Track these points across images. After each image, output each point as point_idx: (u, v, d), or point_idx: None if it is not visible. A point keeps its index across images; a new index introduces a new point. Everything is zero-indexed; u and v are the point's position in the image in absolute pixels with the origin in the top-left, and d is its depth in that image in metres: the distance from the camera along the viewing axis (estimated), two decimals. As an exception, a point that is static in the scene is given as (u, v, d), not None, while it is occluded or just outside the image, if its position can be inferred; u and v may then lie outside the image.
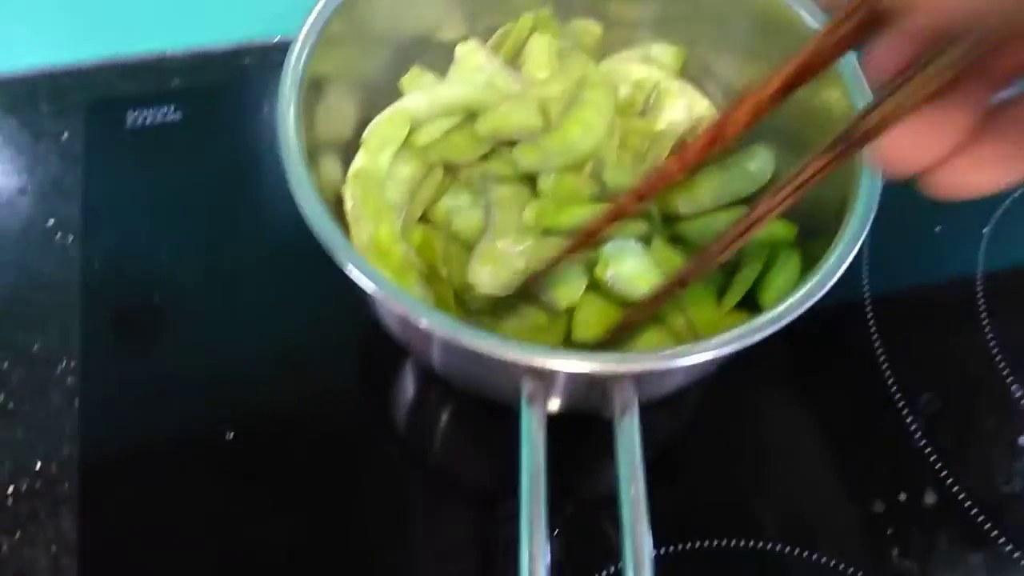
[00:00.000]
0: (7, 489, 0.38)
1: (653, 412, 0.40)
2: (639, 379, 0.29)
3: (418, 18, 0.41)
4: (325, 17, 0.35)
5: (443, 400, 0.42)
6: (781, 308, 0.30)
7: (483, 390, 0.38)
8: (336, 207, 0.38)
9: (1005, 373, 0.43)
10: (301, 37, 0.35)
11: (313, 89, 0.35)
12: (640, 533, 0.27)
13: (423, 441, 0.41)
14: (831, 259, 0.31)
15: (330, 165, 0.38)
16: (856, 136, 0.23)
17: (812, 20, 0.36)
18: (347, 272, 0.30)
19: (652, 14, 0.42)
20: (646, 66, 0.42)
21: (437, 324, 0.29)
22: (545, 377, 0.29)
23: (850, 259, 0.31)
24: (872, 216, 0.32)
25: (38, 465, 0.39)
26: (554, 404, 0.33)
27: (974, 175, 0.21)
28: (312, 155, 0.34)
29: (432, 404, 0.42)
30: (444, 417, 0.42)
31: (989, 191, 0.22)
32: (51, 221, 0.45)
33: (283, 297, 0.44)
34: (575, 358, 0.28)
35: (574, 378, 0.30)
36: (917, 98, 0.21)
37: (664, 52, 0.42)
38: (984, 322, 0.44)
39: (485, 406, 0.40)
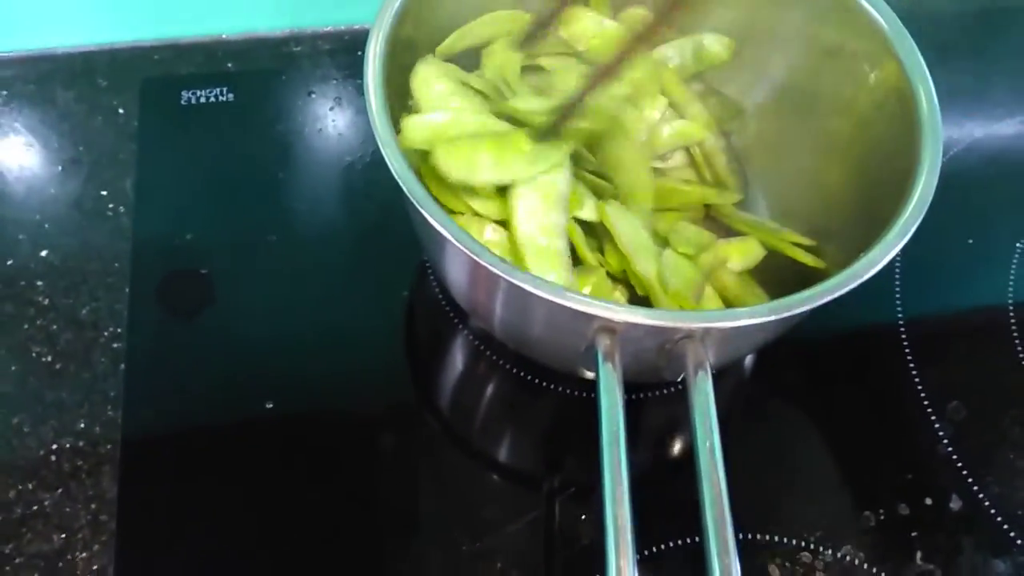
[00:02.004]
0: (51, 446, 0.39)
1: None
2: (715, 337, 0.30)
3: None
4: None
5: (491, 373, 0.43)
6: (855, 267, 0.31)
7: (544, 353, 0.38)
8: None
9: (1034, 383, 0.44)
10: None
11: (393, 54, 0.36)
12: (718, 483, 0.27)
13: (469, 414, 0.42)
14: (904, 215, 0.32)
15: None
16: None
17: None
18: (429, 221, 0.31)
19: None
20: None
21: (517, 276, 0.29)
22: (621, 333, 0.30)
23: (923, 214, 0.32)
24: (937, 175, 0.33)
25: (81, 425, 0.40)
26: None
27: None
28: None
29: (480, 377, 0.43)
30: (490, 391, 0.43)
31: None
32: (104, 192, 0.47)
33: (328, 273, 0.45)
34: (657, 313, 0.29)
35: (652, 334, 0.30)
36: None
37: (715, 41, 0.43)
38: (1013, 332, 0.45)
39: (533, 379, 0.42)
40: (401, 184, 0.31)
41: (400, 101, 0.38)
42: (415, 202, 0.31)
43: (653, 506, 0.38)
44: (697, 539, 0.36)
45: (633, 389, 0.42)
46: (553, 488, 0.40)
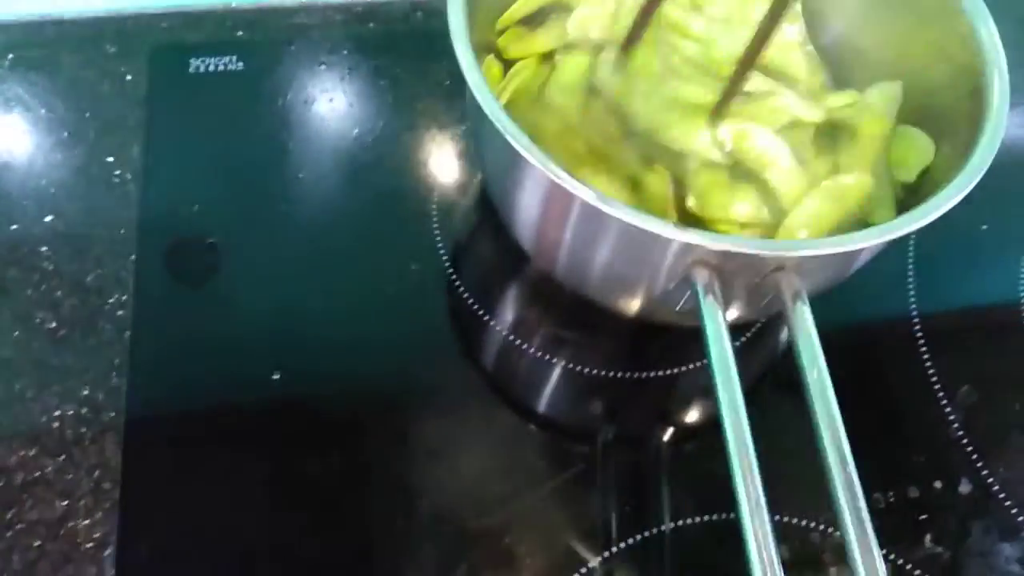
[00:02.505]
0: (54, 413, 0.39)
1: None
2: (807, 268, 0.30)
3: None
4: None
5: (505, 350, 0.43)
6: (944, 192, 0.31)
7: (615, 291, 0.37)
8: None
9: (1045, 370, 0.43)
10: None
11: None
12: (833, 413, 0.28)
13: (483, 389, 0.42)
14: (984, 139, 0.33)
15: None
16: None
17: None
18: (511, 144, 0.30)
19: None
20: None
21: (611, 205, 0.29)
22: (717, 267, 0.29)
23: (1001, 132, 0.33)
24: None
25: (85, 392, 0.39)
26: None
27: None
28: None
29: (493, 355, 0.43)
30: (504, 370, 0.42)
31: None
32: (111, 158, 0.46)
33: (335, 244, 0.44)
34: (758, 242, 0.30)
35: (750, 264, 0.30)
36: None
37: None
38: (1026, 318, 0.45)
39: (545, 357, 0.42)
40: (477, 96, 0.31)
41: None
42: (493, 120, 0.30)
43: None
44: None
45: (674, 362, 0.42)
46: (563, 464, 0.39)
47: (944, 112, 0.37)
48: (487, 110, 0.31)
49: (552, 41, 0.41)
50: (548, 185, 0.30)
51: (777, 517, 0.38)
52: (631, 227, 0.29)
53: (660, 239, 0.29)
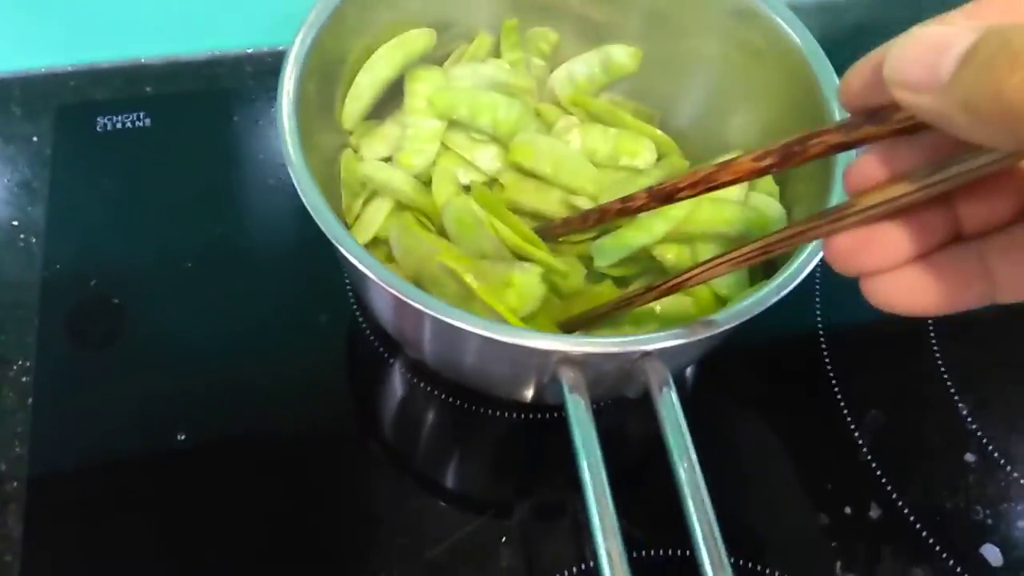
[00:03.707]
0: (-45, 485, 0.38)
1: (620, 424, 0.41)
2: (672, 353, 0.30)
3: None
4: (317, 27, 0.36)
5: (419, 399, 0.42)
6: (795, 264, 0.31)
7: (489, 386, 0.38)
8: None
9: (952, 391, 0.44)
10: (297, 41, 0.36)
11: (307, 85, 0.35)
12: (703, 502, 0.27)
13: (392, 438, 0.42)
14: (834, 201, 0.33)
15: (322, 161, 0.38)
16: (821, 227, 0.23)
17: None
18: (353, 263, 0.30)
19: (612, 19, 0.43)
20: None
21: (465, 320, 0.29)
22: (582, 364, 0.30)
23: None
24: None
25: (-12, 463, 0.39)
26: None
27: (913, 295, 0.22)
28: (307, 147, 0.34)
29: (408, 404, 0.42)
30: (418, 417, 0.42)
31: (920, 313, 0.22)
32: (16, 222, 0.46)
33: (245, 300, 0.44)
34: (615, 341, 0.29)
35: (613, 359, 0.30)
36: (891, 206, 0.21)
37: (622, 52, 0.43)
38: (932, 342, 0.45)
39: (468, 415, 0.42)
40: (324, 226, 0.31)
41: (319, 122, 0.38)
42: (347, 254, 0.30)
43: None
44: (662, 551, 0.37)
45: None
46: (476, 509, 0.39)
47: (798, 177, 0.38)
48: (329, 235, 0.31)
49: (399, 134, 0.41)
50: (397, 304, 0.30)
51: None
52: (488, 338, 0.29)
53: (516, 347, 0.29)
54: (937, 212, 0.22)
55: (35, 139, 0.49)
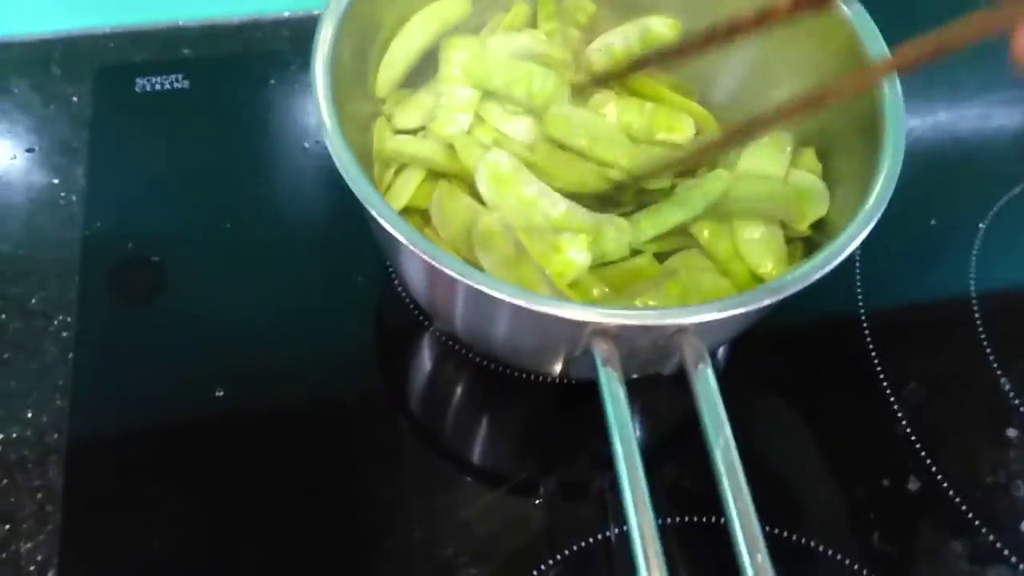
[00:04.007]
0: (-3, 436, 0.39)
1: (661, 400, 0.41)
2: (708, 329, 0.30)
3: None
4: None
5: (455, 365, 0.42)
6: (836, 243, 0.31)
7: (521, 360, 0.38)
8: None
9: (995, 365, 0.43)
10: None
11: (342, 50, 0.35)
12: (738, 477, 0.27)
13: (429, 404, 0.42)
14: (877, 186, 0.32)
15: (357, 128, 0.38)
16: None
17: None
18: (385, 228, 0.30)
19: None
20: None
21: (502, 290, 0.28)
22: (615, 337, 0.29)
23: (893, 187, 0.33)
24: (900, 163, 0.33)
25: (29, 414, 0.39)
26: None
27: None
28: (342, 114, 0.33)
29: (442, 368, 0.42)
30: (453, 382, 0.42)
31: None
32: (56, 180, 0.46)
33: (282, 261, 0.44)
34: (650, 313, 0.29)
35: (647, 332, 0.30)
36: None
37: (661, 24, 0.42)
38: (976, 315, 0.45)
39: (503, 380, 0.42)
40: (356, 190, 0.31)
41: (354, 90, 0.37)
42: (378, 218, 0.30)
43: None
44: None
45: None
46: (503, 476, 0.39)
47: (842, 153, 0.37)
48: (361, 198, 0.30)
49: (433, 102, 0.41)
50: (430, 270, 0.30)
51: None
52: (521, 308, 0.28)
53: (550, 317, 0.29)
54: None
55: (75, 99, 0.49)
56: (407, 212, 0.39)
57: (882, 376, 0.42)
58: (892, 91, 0.34)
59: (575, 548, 0.37)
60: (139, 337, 0.42)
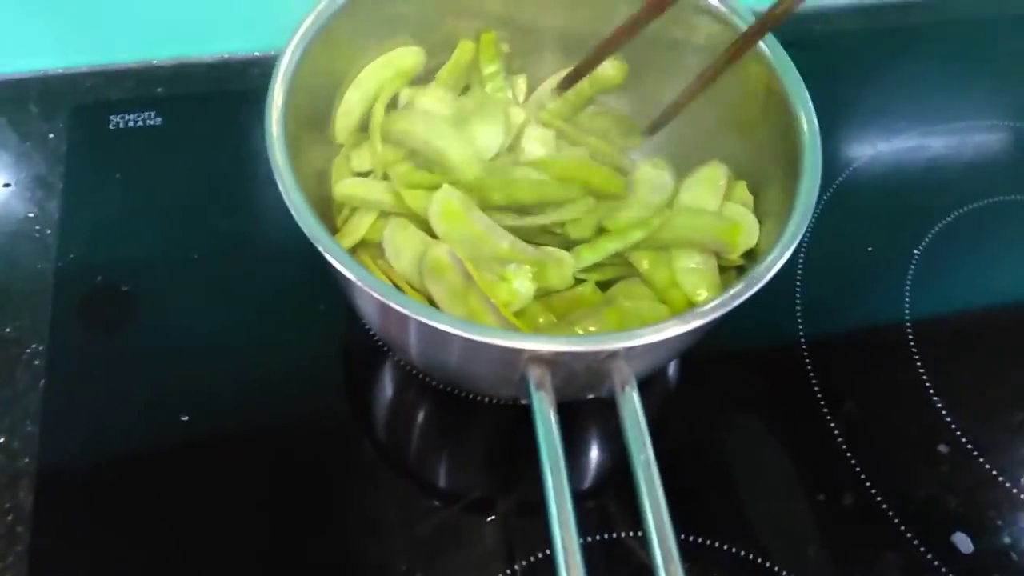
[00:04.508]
0: (-30, 460, 0.40)
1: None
2: (635, 353, 0.32)
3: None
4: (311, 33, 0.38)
5: (420, 398, 0.44)
6: (756, 270, 0.33)
7: (467, 383, 0.40)
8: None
9: (927, 384, 0.45)
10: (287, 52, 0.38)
11: (297, 96, 0.37)
12: (656, 493, 0.29)
13: (391, 428, 0.43)
14: (795, 215, 0.35)
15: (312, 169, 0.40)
16: None
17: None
18: (334, 265, 0.32)
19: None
20: None
21: (438, 319, 0.30)
22: (550, 362, 0.31)
23: (811, 209, 0.35)
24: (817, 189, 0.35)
25: (1, 439, 0.41)
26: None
27: None
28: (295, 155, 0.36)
29: (408, 402, 0.44)
30: (421, 415, 0.44)
31: None
32: (31, 214, 0.48)
33: (250, 292, 0.46)
34: (581, 339, 0.31)
35: (580, 358, 0.32)
36: None
37: (608, 65, 0.44)
38: (910, 336, 0.47)
39: (462, 404, 0.43)
40: (305, 227, 0.33)
41: (313, 134, 0.39)
42: (327, 255, 0.32)
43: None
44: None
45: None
46: (455, 494, 0.41)
47: (770, 187, 0.40)
48: (313, 240, 0.33)
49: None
50: (377, 304, 0.32)
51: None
52: (459, 337, 0.30)
53: (487, 346, 0.31)
54: None
55: (51, 136, 0.51)
56: (363, 245, 0.41)
57: (819, 395, 0.44)
58: (811, 128, 0.37)
59: (526, 562, 0.39)
60: (108, 364, 0.43)
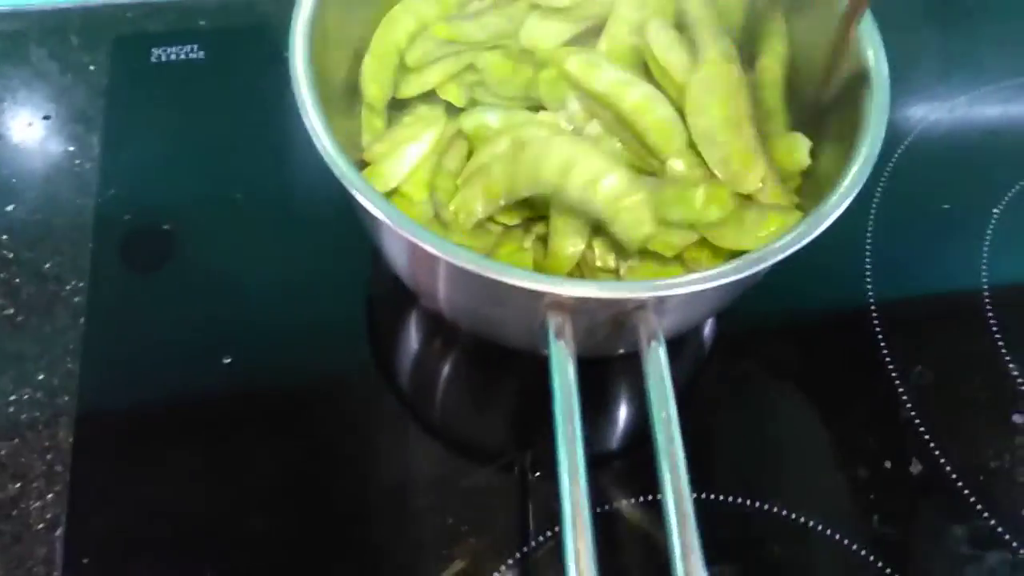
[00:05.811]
0: (9, 397, 0.39)
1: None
2: (665, 306, 0.29)
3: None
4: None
5: (448, 349, 0.43)
6: (803, 226, 0.30)
7: (493, 331, 0.38)
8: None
9: (1004, 351, 0.43)
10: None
11: (322, 34, 0.36)
12: (675, 453, 0.27)
13: (427, 375, 0.42)
14: (857, 163, 0.31)
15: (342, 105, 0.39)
16: None
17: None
18: (361, 203, 0.30)
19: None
20: None
21: (457, 256, 0.28)
22: (571, 310, 0.29)
23: (872, 164, 0.31)
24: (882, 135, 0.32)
25: (40, 376, 0.40)
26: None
27: None
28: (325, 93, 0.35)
29: (436, 353, 0.43)
30: (448, 366, 0.43)
31: None
32: (72, 147, 0.47)
33: (291, 235, 0.45)
34: (607, 286, 0.29)
35: (604, 306, 0.30)
36: None
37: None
38: (986, 299, 0.44)
39: (491, 355, 0.42)
40: (331, 166, 0.32)
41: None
42: (349, 187, 0.30)
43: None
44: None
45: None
46: (504, 447, 0.40)
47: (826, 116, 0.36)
48: (338, 173, 0.31)
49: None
50: (402, 241, 0.30)
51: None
52: (478, 276, 0.28)
53: (505, 286, 0.28)
54: None
55: (92, 68, 0.49)
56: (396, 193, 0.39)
57: (888, 359, 0.42)
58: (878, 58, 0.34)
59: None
60: (149, 303, 0.42)
